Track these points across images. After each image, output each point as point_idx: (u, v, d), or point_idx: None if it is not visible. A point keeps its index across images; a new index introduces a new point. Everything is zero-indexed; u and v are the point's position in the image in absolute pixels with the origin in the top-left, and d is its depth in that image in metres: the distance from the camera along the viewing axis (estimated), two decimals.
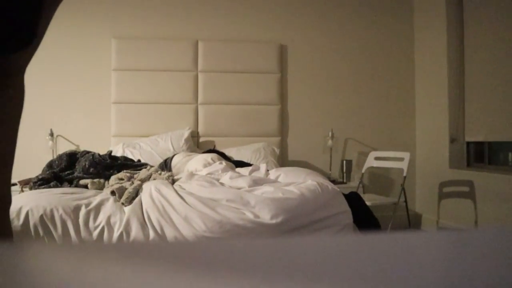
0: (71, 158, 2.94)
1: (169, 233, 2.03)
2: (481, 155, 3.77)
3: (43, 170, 2.90)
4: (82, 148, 3.79)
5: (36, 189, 2.55)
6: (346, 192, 2.51)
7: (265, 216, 2.05)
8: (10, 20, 0.62)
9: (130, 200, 2.24)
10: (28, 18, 0.64)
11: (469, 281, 0.27)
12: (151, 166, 3.00)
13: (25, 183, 2.95)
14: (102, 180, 2.68)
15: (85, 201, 2.18)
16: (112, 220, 2.10)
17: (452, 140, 3.86)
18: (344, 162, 4.07)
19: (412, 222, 4.05)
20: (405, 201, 3.61)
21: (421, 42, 4.30)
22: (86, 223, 2.09)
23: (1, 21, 0.61)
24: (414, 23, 4.38)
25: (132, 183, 2.44)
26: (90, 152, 3.02)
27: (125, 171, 2.75)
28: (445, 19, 3.87)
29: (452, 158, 3.86)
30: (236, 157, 3.62)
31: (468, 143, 3.85)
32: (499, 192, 3.24)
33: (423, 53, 4.26)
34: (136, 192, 2.31)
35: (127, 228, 2.06)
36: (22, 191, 2.86)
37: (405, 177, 3.53)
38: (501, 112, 3.38)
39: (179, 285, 0.26)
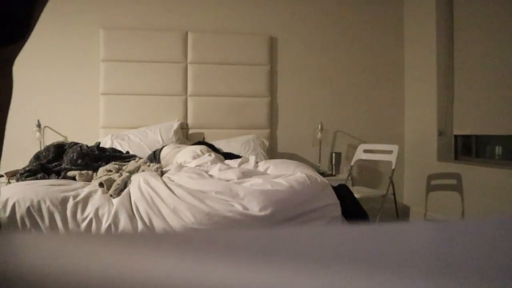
0: (59, 149, 2.91)
1: (158, 225, 2.02)
2: (469, 148, 3.81)
3: (30, 162, 2.87)
4: (70, 139, 3.75)
5: (22, 180, 2.52)
6: (335, 184, 2.52)
7: (254, 208, 2.05)
8: (5, 13, 0.61)
9: (119, 192, 2.23)
10: (23, 11, 0.63)
11: (455, 270, 0.27)
12: (140, 158, 2.99)
13: (11, 175, 2.92)
14: (90, 172, 2.66)
15: (72, 193, 2.17)
16: (100, 212, 2.09)
17: (440, 133, 3.90)
18: (333, 154, 4.09)
19: (400, 214, 4.09)
20: (393, 194, 3.63)
21: (410, 35, 4.32)
22: (74, 215, 2.08)
23: None
24: (404, 16, 4.39)
25: (121, 175, 2.42)
26: (78, 143, 3.00)
27: (113, 162, 2.73)
28: (435, 11, 3.89)
29: (440, 151, 3.90)
30: (226, 149, 3.62)
31: (456, 136, 3.88)
32: (486, 185, 3.28)
33: (413, 46, 4.28)
34: (125, 184, 2.30)
35: (115, 220, 2.05)
36: (9, 182, 2.83)
37: (393, 169, 3.55)
38: (489, 106, 3.42)
39: (168, 276, 0.26)
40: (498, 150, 3.67)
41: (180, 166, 2.64)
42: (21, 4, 0.63)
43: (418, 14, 4.17)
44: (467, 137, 3.82)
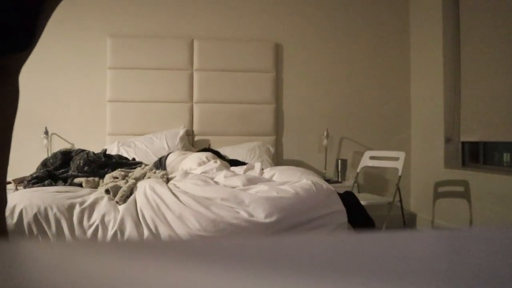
0: (66, 156, 2.93)
1: (163, 232, 2.02)
2: (476, 155, 3.78)
3: (37, 169, 2.88)
4: (77, 146, 3.78)
5: (30, 187, 2.54)
6: (341, 191, 2.51)
7: (260, 215, 2.05)
8: (10, 21, 0.62)
9: (125, 198, 2.23)
10: (28, 19, 0.64)
11: (463, 281, 0.27)
12: (146, 165, 3.00)
13: (19, 182, 2.93)
14: (96, 179, 2.67)
15: (79, 200, 2.17)
16: (106, 219, 2.09)
17: (447, 140, 3.87)
18: (339, 161, 4.07)
19: (407, 221, 4.06)
20: (400, 201, 3.61)
21: (416, 41, 4.32)
22: (80, 221, 2.09)
23: (2, 22, 0.61)
24: (410, 23, 4.39)
25: (127, 181, 2.43)
26: (85, 150, 3.01)
27: (119, 169, 2.74)
28: (441, 18, 3.88)
29: (447, 158, 3.87)
30: (231, 156, 3.62)
31: (463, 143, 3.86)
32: (494, 192, 3.26)
33: (419, 52, 4.27)
34: (131, 191, 2.30)
35: (121, 227, 2.06)
36: (17, 189, 2.84)
37: (400, 176, 3.54)
38: (496, 113, 3.40)
39: (173, 284, 0.26)
40: (506, 157, 3.64)
41: (186, 173, 2.64)
42: (26, 13, 0.64)
43: (424, 21, 4.16)
44: (474, 144, 3.79)
